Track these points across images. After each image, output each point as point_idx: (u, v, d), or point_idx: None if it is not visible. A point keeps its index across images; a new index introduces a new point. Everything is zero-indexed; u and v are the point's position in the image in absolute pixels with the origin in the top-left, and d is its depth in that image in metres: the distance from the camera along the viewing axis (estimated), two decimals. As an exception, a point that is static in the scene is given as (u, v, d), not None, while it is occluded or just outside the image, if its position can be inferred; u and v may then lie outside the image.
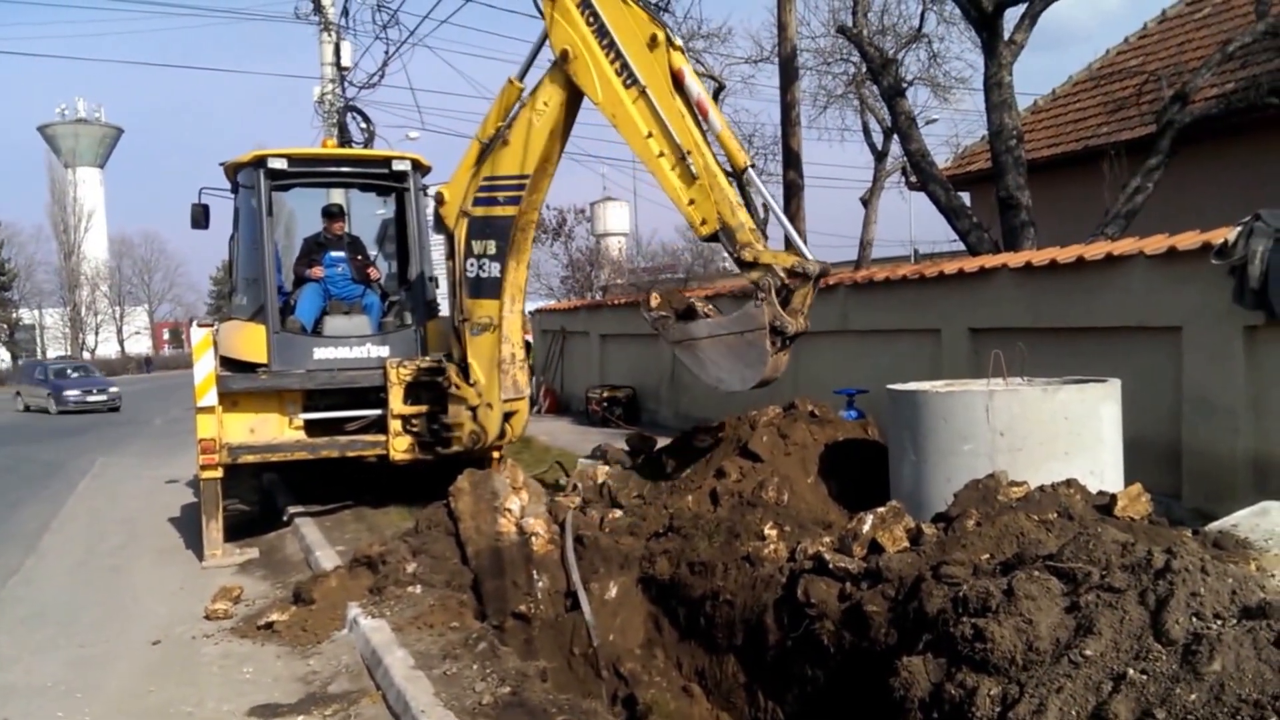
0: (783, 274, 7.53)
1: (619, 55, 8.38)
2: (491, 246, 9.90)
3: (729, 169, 8.49)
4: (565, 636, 6.81)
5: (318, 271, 11.41)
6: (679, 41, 8.52)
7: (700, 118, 8.26)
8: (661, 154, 8.16)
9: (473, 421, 10.22)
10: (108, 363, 75.02)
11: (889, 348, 11.60)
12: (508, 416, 10.50)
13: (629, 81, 8.34)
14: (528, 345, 11.47)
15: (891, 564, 5.06)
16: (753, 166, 9.63)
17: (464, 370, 10.17)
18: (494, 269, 9.93)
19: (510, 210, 9.67)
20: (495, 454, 10.86)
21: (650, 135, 8.23)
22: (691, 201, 8.06)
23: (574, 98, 9.08)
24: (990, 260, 10.49)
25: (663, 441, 9.37)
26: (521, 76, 9.58)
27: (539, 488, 8.57)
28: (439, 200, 9.99)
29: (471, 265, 9.99)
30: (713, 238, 8.04)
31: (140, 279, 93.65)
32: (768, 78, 56.54)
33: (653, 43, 8.27)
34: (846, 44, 21.54)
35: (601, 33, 8.49)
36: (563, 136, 9.42)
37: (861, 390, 10.81)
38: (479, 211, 9.84)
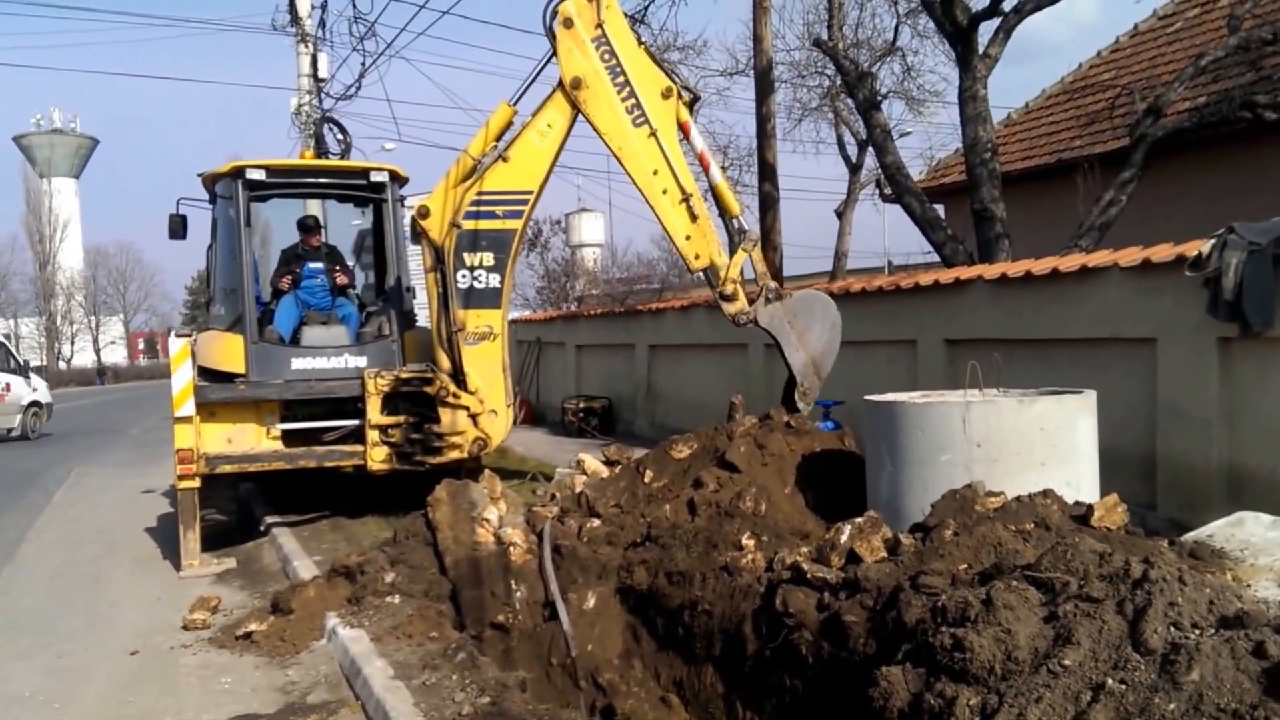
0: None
1: (633, 94, 9.25)
2: (489, 258, 10.13)
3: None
4: (544, 647, 6.78)
5: (285, 282, 11.43)
6: (687, 97, 9.55)
7: (703, 169, 9.50)
8: (665, 191, 9.23)
9: (475, 428, 10.34)
10: (84, 372, 74.55)
11: (865, 359, 11.63)
12: None
13: (639, 120, 9.25)
14: None
15: (869, 574, 5.05)
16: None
17: (456, 379, 10.20)
18: (492, 280, 10.19)
19: (514, 224, 10.10)
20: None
21: (656, 172, 9.23)
22: (688, 238, 9.35)
23: (573, 121, 9.66)
24: (965, 272, 10.56)
25: (639, 452, 9.40)
26: (516, 100, 10.04)
27: (517, 498, 8.58)
28: (423, 213, 10.02)
29: (464, 277, 10.09)
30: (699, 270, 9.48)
31: (115, 289, 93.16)
32: (743, 90, 56.90)
33: (666, 94, 9.29)
34: (821, 57, 21.67)
35: (616, 71, 9.28)
36: (559, 155, 9.97)
37: (838, 401, 10.84)
38: (470, 225, 9.97)
